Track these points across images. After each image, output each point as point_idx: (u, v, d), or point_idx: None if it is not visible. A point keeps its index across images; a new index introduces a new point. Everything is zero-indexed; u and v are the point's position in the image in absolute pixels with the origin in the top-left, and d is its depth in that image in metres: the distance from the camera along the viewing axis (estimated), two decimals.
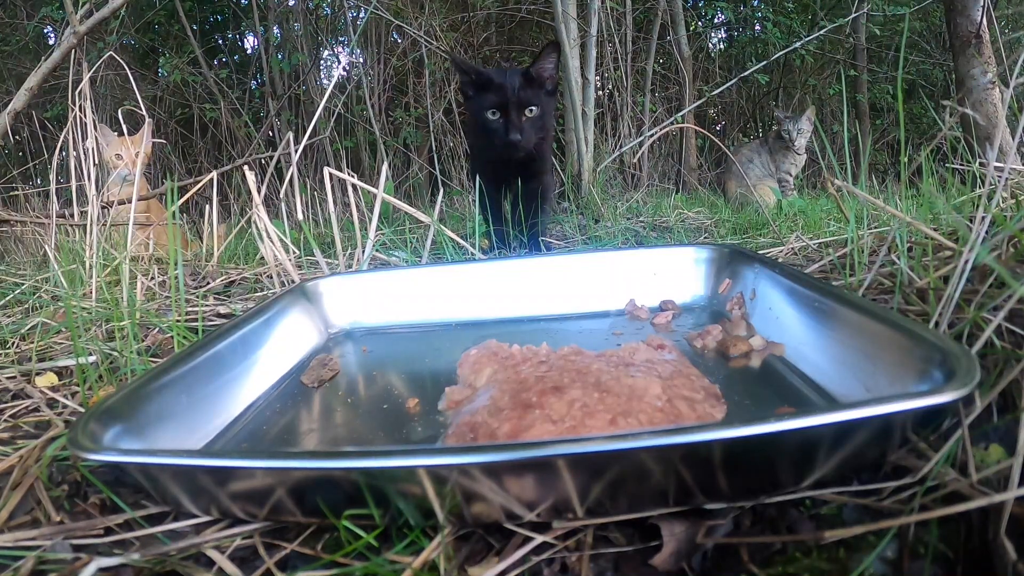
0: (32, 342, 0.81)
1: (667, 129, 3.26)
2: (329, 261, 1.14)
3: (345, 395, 0.59)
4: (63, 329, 0.85)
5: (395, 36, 3.92)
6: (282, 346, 0.68)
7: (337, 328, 0.78)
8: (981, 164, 0.94)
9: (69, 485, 0.48)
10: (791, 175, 2.97)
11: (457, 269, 0.81)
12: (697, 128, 3.18)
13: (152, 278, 1.12)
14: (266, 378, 0.62)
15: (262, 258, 1.10)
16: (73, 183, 1.27)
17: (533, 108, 1.25)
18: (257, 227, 1.05)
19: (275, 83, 3.90)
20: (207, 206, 1.50)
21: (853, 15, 3.83)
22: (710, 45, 5.06)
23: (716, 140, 2.19)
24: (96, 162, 1.30)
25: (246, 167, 1.06)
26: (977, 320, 0.48)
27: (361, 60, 3.91)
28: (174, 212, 1.04)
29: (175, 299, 0.84)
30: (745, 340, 0.61)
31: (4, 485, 0.47)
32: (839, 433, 0.35)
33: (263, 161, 2.93)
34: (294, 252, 1.10)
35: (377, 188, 1.10)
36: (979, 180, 0.92)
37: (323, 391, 0.60)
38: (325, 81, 4.14)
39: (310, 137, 1.32)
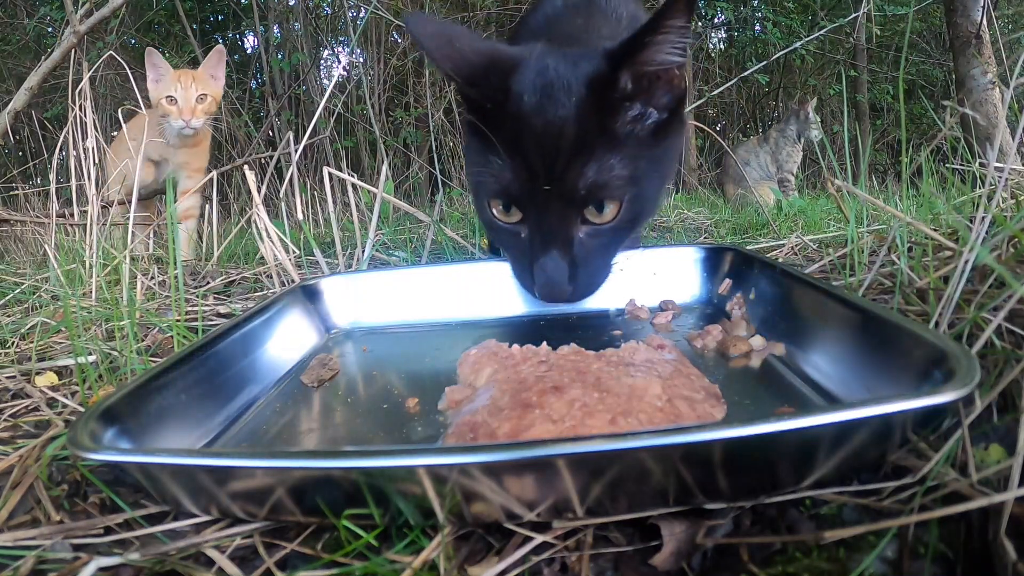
0: (32, 342, 0.81)
1: None
2: (329, 261, 1.14)
3: (345, 395, 0.59)
4: (63, 328, 0.85)
5: (395, 36, 3.92)
6: (282, 346, 0.68)
7: (337, 328, 0.78)
8: (981, 164, 0.94)
9: (69, 484, 0.48)
10: (792, 174, 2.98)
11: (457, 269, 0.81)
12: (697, 124, 3.18)
13: (152, 277, 1.12)
14: (266, 378, 0.62)
15: (262, 258, 1.10)
16: (73, 182, 1.27)
17: (608, 204, 0.62)
18: (257, 227, 1.05)
19: (275, 83, 3.90)
20: (207, 206, 1.50)
21: (853, 15, 3.83)
22: (710, 45, 5.07)
23: (715, 135, 2.20)
24: (96, 161, 1.30)
25: (246, 167, 1.06)
26: (977, 320, 0.48)
27: (361, 60, 3.91)
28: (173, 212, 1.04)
29: (175, 299, 0.84)
30: (745, 340, 0.61)
31: (4, 484, 0.47)
32: (839, 433, 0.35)
33: (263, 161, 2.94)
34: (294, 252, 1.10)
35: (377, 188, 1.10)
36: (979, 180, 0.92)
37: (323, 391, 0.60)
38: (325, 81, 4.15)
39: (310, 137, 1.32)
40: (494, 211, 0.66)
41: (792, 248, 1.09)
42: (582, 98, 0.60)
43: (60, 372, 0.73)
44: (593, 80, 0.60)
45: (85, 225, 1.16)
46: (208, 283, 1.16)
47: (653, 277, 0.78)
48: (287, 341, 0.69)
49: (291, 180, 1.21)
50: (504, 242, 0.68)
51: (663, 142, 0.64)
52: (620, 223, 0.63)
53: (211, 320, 0.90)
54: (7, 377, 0.71)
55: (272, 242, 1.03)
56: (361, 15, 3.68)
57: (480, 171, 0.64)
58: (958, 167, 1.00)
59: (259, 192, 1.07)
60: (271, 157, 2.06)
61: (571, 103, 0.60)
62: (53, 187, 1.46)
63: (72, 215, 1.51)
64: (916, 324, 0.45)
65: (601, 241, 0.64)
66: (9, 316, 0.98)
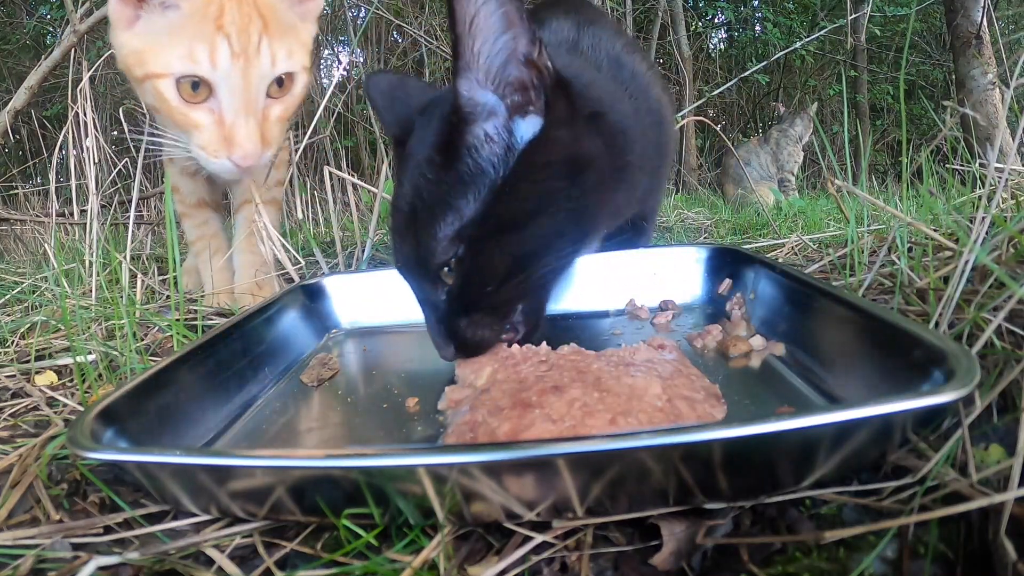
0: (31, 341, 0.81)
1: None
2: (329, 261, 1.14)
3: (345, 394, 0.59)
4: (62, 327, 0.85)
5: (395, 36, 3.92)
6: (282, 345, 0.68)
7: (337, 328, 0.78)
8: (981, 165, 0.94)
9: (68, 484, 0.48)
10: (793, 174, 2.98)
11: None
12: (702, 119, 3.18)
13: (152, 277, 1.12)
14: (266, 377, 0.62)
15: None
16: (73, 182, 1.27)
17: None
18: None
19: None
20: None
21: (853, 16, 3.84)
22: (710, 45, 5.07)
23: (718, 131, 2.20)
24: (96, 161, 1.29)
25: None
26: (977, 320, 0.48)
27: (361, 60, 3.91)
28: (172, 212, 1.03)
29: (174, 298, 0.84)
30: (745, 340, 0.61)
31: (3, 484, 0.47)
32: (839, 433, 0.35)
33: None
34: (294, 252, 1.10)
35: (377, 188, 1.10)
36: (979, 181, 0.92)
37: (323, 390, 0.60)
38: (325, 81, 4.14)
39: (310, 137, 1.32)
40: None
41: (792, 248, 1.09)
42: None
43: (60, 371, 0.73)
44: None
45: (85, 224, 1.16)
46: None
47: (653, 277, 0.78)
48: (287, 341, 0.69)
49: (291, 180, 1.21)
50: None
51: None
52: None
53: (211, 319, 0.90)
54: (7, 376, 0.71)
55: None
56: (361, 15, 3.68)
57: None
58: (958, 167, 1.00)
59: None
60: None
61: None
62: (53, 186, 1.47)
63: (72, 214, 1.51)
64: (916, 324, 0.45)
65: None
66: (9, 315, 0.98)
